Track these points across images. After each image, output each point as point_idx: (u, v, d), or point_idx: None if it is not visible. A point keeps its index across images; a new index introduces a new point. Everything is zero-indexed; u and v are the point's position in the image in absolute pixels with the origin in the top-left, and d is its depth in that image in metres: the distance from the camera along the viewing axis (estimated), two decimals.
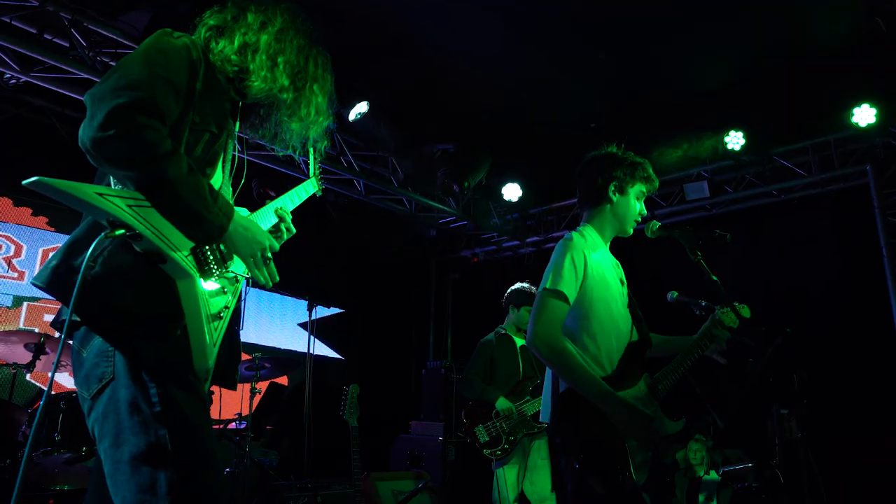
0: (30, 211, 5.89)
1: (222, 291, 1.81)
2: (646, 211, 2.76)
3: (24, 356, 4.16)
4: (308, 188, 2.38)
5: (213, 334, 1.76)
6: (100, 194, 1.52)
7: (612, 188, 2.65)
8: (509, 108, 6.35)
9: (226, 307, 1.83)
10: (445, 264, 9.40)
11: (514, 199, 7.55)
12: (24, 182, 1.44)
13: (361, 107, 5.70)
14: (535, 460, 4.57)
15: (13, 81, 5.34)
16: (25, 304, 5.69)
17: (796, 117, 5.97)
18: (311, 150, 2.34)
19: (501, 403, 4.58)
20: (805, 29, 5.03)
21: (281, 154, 2.28)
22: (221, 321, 1.81)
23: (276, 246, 1.88)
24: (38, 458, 3.65)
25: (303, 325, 7.67)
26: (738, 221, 6.99)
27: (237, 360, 2.08)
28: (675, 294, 3.24)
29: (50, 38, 4.68)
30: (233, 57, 1.89)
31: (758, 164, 6.39)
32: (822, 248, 6.46)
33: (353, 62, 5.51)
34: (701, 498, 4.86)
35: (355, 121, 5.73)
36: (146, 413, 1.57)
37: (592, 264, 2.52)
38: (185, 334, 1.68)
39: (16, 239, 5.75)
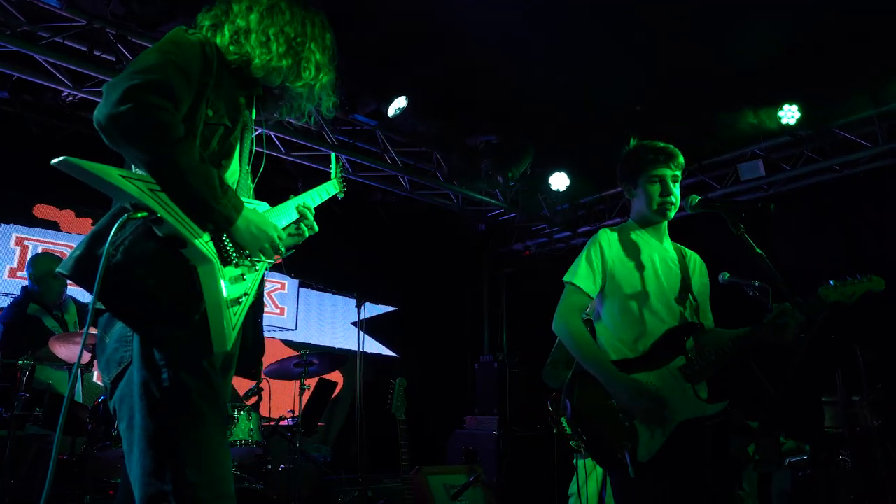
0: (90, 221, 6.18)
1: (241, 278, 1.84)
2: (678, 191, 2.72)
3: (85, 357, 4.36)
4: (329, 189, 2.39)
5: (233, 318, 1.78)
6: (124, 176, 1.57)
7: (625, 186, 2.80)
8: (551, 96, 6.21)
9: (245, 294, 1.85)
10: (497, 258, 9.33)
11: (562, 188, 7.38)
12: (52, 161, 1.49)
13: (400, 102, 5.70)
14: None
15: (70, 99, 5.62)
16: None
17: (856, 84, 5.60)
18: (332, 154, 2.41)
19: None
20: None
21: (302, 122, 2.37)
22: (240, 307, 1.83)
23: (284, 243, 1.91)
24: (99, 452, 3.84)
25: (355, 324, 7.75)
26: (800, 200, 6.64)
27: (260, 353, 2.11)
28: (727, 275, 3.10)
29: (99, 53, 4.90)
30: (231, 48, 1.93)
31: (816, 137, 6.05)
32: None
33: (389, 57, 5.51)
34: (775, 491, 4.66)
35: (395, 116, 5.73)
36: (156, 397, 1.61)
37: (615, 256, 2.66)
38: (205, 319, 1.71)
39: None
